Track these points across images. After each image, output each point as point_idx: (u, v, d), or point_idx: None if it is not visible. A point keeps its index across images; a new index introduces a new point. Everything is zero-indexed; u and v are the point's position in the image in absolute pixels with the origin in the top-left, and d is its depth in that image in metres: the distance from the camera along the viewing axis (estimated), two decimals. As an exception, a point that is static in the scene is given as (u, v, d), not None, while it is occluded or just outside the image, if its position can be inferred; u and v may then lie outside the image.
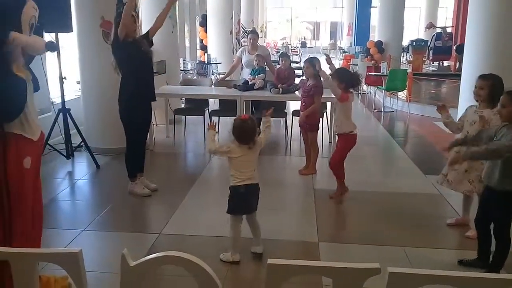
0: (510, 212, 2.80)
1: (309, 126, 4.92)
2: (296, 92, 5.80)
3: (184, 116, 6.84)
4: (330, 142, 6.06)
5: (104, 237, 3.53)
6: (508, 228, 2.82)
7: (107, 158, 5.40)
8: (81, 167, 5.24)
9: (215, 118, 6.42)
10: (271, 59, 7.17)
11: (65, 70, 5.13)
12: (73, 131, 5.24)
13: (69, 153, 5.29)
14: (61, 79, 5.08)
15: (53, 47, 2.21)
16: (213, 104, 7.29)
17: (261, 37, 23.03)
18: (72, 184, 4.73)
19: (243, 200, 3.06)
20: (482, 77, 3.27)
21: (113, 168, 5.13)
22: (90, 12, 5.25)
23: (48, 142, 5.00)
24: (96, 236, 3.55)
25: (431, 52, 16.29)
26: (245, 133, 2.98)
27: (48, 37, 4.62)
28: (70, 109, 5.14)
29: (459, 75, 7.87)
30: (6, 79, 2.09)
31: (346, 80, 4.07)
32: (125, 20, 3.86)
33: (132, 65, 4.03)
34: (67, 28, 4.75)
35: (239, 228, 3.10)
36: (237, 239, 3.09)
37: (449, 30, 17.73)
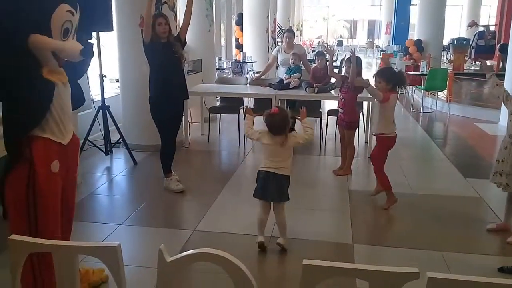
0: None
1: (348, 124, 4.86)
2: (332, 92, 5.74)
3: (219, 114, 6.90)
4: (366, 143, 5.96)
5: (140, 232, 3.61)
6: None
7: (144, 155, 5.52)
8: (119, 163, 5.37)
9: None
10: (307, 58, 7.12)
11: (105, 68, 5.27)
12: (112, 127, 5.38)
13: (108, 149, 5.43)
14: (101, 77, 5.22)
15: (88, 53, 2.15)
16: (248, 103, 7.31)
17: (297, 36, 22.93)
18: (110, 179, 4.85)
19: (260, 185, 3.18)
20: None
21: (149, 164, 5.23)
22: (130, 12, 5.38)
23: (88, 138, 5.16)
24: (133, 230, 3.63)
25: (473, 51, 15.75)
26: (274, 127, 3.10)
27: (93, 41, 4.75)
28: (109, 106, 5.28)
29: (503, 75, 7.60)
30: (30, 82, 2.05)
31: (394, 79, 3.99)
32: (146, 20, 3.93)
33: (159, 64, 4.12)
34: (108, 27, 4.87)
35: (261, 212, 3.23)
36: (259, 222, 3.23)
37: (492, 28, 17.08)
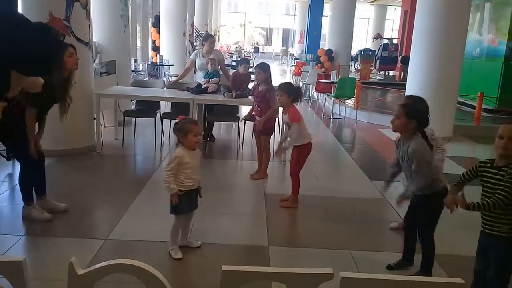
0: (432, 214, 2.97)
1: (264, 130, 4.96)
2: (250, 97, 5.83)
3: (134, 118, 6.69)
4: (281, 147, 6.12)
5: (46, 243, 3.37)
6: (432, 230, 3.02)
7: (51, 160, 5.15)
8: (23, 169, 4.97)
9: (166, 121, 6.33)
10: (225, 63, 7.16)
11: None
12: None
13: (10, 155, 5.01)
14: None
15: None
16: (165, 107, 7.17)
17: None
18: (12, 187, 4.49)
19: (187, 202, 3.23)
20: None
21: (57, 170, 4.91)
22: (37, 7, 5.01)
23: (-13, 142, 4.73)
24: (38, 241, 3.39)
25: (377, 62, 16.91)
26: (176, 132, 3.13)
27: None
28: (11, 108, 4.88)
29: (404, 85, 8.25)
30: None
31: (294, 92, 4.22)
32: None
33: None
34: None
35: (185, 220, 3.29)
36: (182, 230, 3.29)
37: (395, 41, 18.48)
